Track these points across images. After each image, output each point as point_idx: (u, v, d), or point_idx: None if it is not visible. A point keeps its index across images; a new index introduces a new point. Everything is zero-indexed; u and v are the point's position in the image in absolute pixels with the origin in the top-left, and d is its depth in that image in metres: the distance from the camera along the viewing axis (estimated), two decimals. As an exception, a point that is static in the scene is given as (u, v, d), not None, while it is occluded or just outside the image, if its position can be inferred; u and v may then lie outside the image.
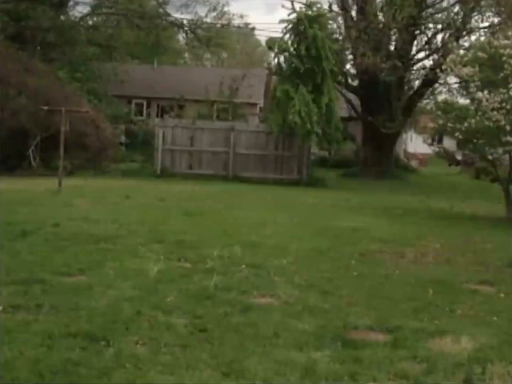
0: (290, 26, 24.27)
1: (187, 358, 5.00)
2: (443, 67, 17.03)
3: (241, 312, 6.28)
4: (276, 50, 24.67)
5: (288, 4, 26.12)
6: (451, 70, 16.44)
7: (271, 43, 25.12)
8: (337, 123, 24.83)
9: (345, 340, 5.58)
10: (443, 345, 5.59)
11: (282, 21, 24.54)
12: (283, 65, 24.85)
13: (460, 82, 17.76)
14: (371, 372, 4.90)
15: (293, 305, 6.70)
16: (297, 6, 25.79)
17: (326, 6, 28.09)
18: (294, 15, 24.44)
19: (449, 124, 15.67)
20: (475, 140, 15.55)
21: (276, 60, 25.33)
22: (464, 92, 16.83)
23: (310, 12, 24.47)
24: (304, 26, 23.53)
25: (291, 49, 24.34)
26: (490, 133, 15.14)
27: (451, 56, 16.58)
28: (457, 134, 15.64)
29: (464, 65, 15.60)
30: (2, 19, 27.23)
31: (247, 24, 43.30)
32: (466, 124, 14.89)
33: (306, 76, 23.64)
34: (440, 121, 16.38)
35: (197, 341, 5.40)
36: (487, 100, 14.74)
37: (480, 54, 15.57)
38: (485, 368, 5.05)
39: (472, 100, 15.63)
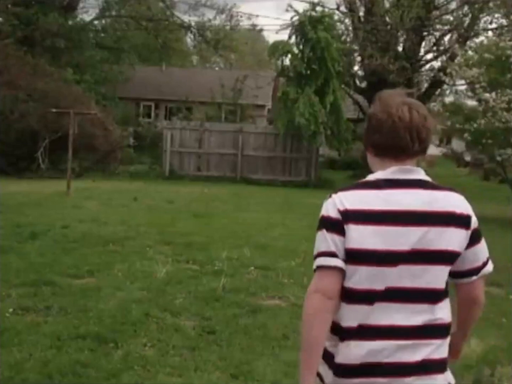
0: (293, 28, 24.34)
1: (196, 360, 5.01)
2: (448, 70, 17.01)
3: (249, 314, 6.29)
4: (280, 52, 24.63)
5: (294, 6, 26.08)
6: (456, 73, 16.42)
7: (273, 48, 25.05)
8: (346, 122, 24.83)
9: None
10: (452, 347, 5.58)
11: (283, 25, 24.85)
12: (288, 67, 24.86)
13: (468, 84, 17.69)
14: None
15: (301, 306, 6.68)
16: (301, 7, 25.88)
17: (333, 7, 28.14)
18: (297, 17, 24.48)
19: (458, 125, 15.64)
20: (483, 141, 15.52)
21: (279, 63, 25.28)
22: (471, 94, 16.76)
23: (314, 13, 24.50)
24: (307, 28, 23.54)
25: (296, 51, 24.38)
26: (499, 133, 15.10)
27: (456, 60, 16.59)
28: (466, 135, 15.60)
29: (470, 67, 15.57)
30: (11, 23, 27.32)
31: (255, 26, 43.29)
32: (475, 125, 14.88)
33: (311, 77, 23.66)
34: (448, 122, 16.35)
35: (206, 343, 5.41)
36: (494, 100, 14.71)
37: (486, 55, 15.54)
38: (494, 369, 5.04)
39: (479, 101, 15.60)
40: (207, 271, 8.12)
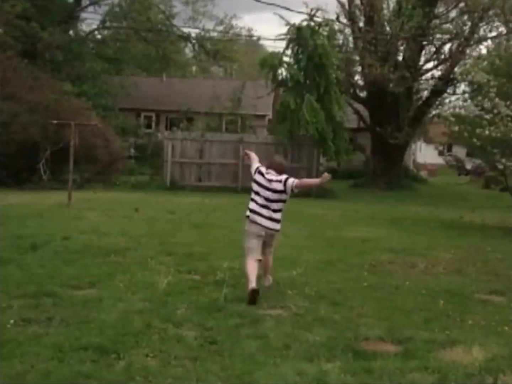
0: (289, 38, 24.45)
1: (198, 370, 4.99)
2: (460, 70, 16.80)
3: (251, 323, 6.27)
4: (270, 65, 24.62)
5: (294, 19, 26.24)
6: (467, 75, 16.20)
7: (263, 62, 25.02)
8: (344, 133, 24.83)
9: (356, 351, 5.56)
10: (455, 356, 5.57)
11: (279, 36, 25.04)
12: (284, 77, 24.89)
13: (473, 91, 17.44)
14: (382, 383, 4.89)
15: (303, 316, 6.69)
16: (301, 18, 26.00)
17: (333, 17, 28.23)
18: (294, 27, 24.55)
19: (465, 134, 15.49)
20: (487, 148, 15.41)
21: (271, 75, 25.21)
22: (477, 99, 16.36)
23: (312, 23, 24.59)
24: (305, 37, 23.59)
25: (292, 61, 24.45)
26: (505, 141, 14.96)
27: (468, 61, 16.39)
28: (474, 139, 15.26)
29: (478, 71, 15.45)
30: (13, 36, 27.40)
31: (254, 36, 43.43)
32: (487, 132, 14.63)
33: (311, 86, 23.68)
34: (456, 128, 16.17)
35: (208, 353, 5.40)
36: (507, 106, 14.54)
37: (497, 61, 15.37)
38: (496, 378, 5.02)
39: (491, 108, 15.18)
40: (208, 282, 8.11)
